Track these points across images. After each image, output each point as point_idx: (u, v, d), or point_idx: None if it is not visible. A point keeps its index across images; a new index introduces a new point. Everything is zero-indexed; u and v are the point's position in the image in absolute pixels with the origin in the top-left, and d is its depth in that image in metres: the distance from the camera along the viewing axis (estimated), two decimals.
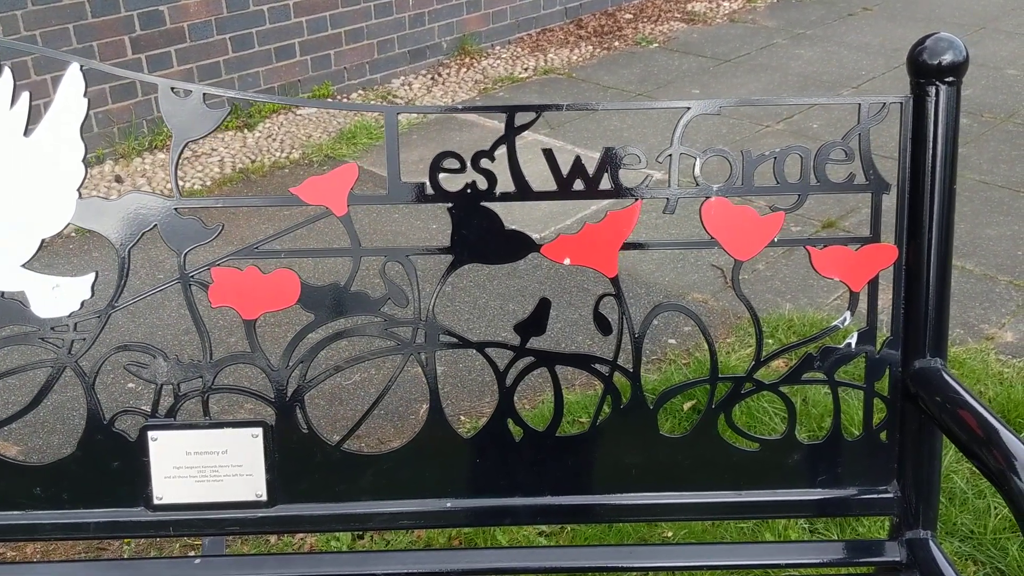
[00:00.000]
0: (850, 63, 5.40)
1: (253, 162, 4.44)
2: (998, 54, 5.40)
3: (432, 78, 5.50)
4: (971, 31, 5.76)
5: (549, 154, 1.31)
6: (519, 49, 5.89)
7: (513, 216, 1.32)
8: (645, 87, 5.24)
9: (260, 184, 4.29)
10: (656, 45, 5.88)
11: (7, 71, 1.26)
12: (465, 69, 5.60)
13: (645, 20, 6.29)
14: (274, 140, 4.68)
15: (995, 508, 2.05)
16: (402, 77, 5.44)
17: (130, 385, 1.35)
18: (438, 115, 4.91)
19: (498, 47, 5.87)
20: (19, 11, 4.05)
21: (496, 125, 4.84)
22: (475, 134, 4.64)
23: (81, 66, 1.26)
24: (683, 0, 6.62)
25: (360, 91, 5.26)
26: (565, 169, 1.30)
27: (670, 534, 1.97)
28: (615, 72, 5.49)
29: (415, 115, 4.94)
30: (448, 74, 5.52)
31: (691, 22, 6.25)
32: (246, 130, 4.74)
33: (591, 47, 5.87)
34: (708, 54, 5.68)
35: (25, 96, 1.26)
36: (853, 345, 1.33)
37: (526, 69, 5.60)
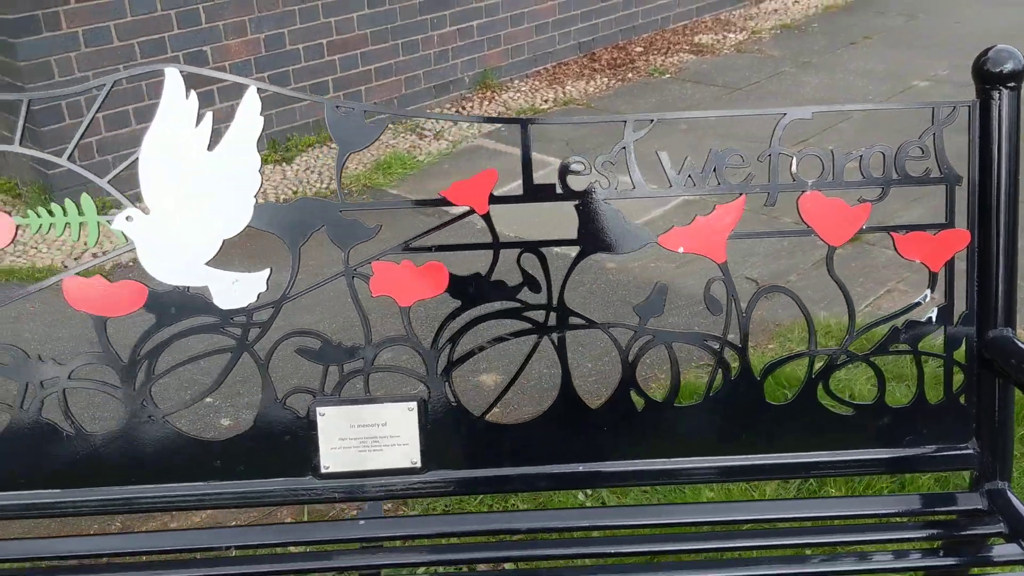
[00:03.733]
0: (857, 88, 5.65)
1: (295, 193, 4.63)
2: None
3: (457, 111, 5.72)
4: (972, 56, 6.01)
5: (662, 157, 1.49)
6: (537, 82, 6.12)
7: None
8: (672, 120, 5.46)
9: None
10: (668, 76, 6.13)
11: (193, 95, 1.44)
12: (487, 102, 5.82)
13: (655, 52, 6.54)
14: (312, 172, 4.88)
15: None
16: (428, 111, 5.66)
17: (300, 367, 1.52)
18: (468, 145, 5.13)
19: (517, 81, 6.10)
20: (72, 53, 4.26)
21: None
22: (504, 162, 4.83)
23: (258, 89, 1.45)
24: (690, 32, 6.89)
25: (389, 125, 5.47)
26: (677, 169, 1.49)
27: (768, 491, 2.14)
28: (632, 102, 5.72)
29: (446, 147, 5.16)
30: (471, 107, 5.74)
31: (700, 53, 6.50)
32: (284, 163, 4.94)
33: (606, 79, 6.11)
34: (719, 83, 5.92)
35: (209, 116, 1.45)
36: (933, 319, 1.51)
37: (546, 100, 5.83)
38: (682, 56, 6.45)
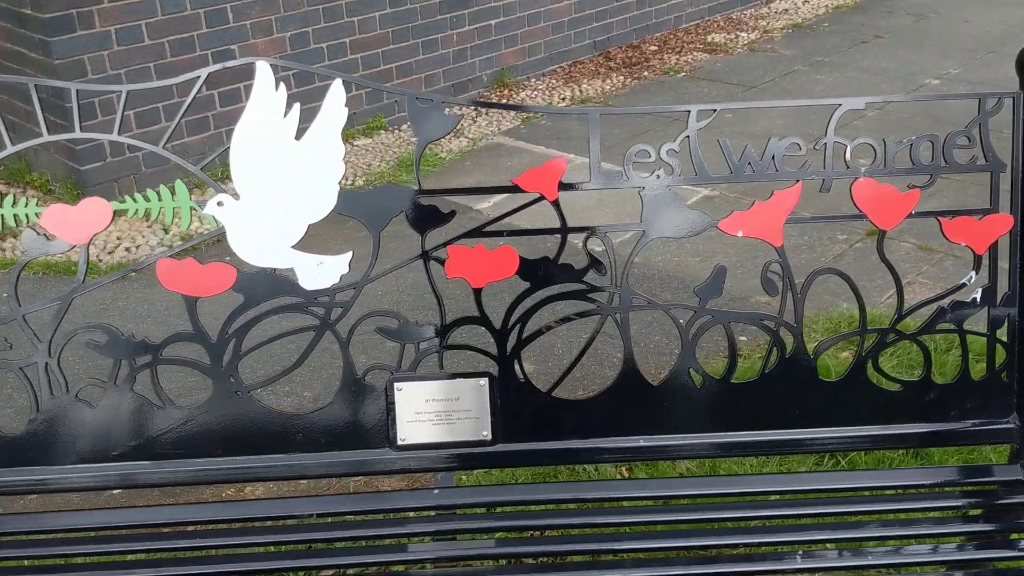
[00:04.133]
0: (869, 87, 5.73)
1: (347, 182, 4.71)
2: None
3: (476, 109, 5.80)
4: (982, 55, 6.11)
5: (724, 144, 1.58)
6: (553, 80, 6.20)
7: None
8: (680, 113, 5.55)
9: None
10: (683, 74, 6.21)
11: (282, 87, 1.53)
12: (505, 100, 5.90)
13: (669, 51, 6.62)
14: (356, 166, 4.96)
15: None
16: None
17: (378, 345, 1.60)
18: (488, 143, 5.22)
19: (534, 79, 6.19)
20: (105, 51, 4.34)
21: (543, 151, 5.15)
22: (524, 159, 4.93)
23: (343, 81, 1.53)
24: (703, 32, 6.98)
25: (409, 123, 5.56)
26: (737, 156, 1.57)
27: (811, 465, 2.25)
28: (648, 99, 5.80)
29: (466, 144, 5.24)
30: None
31: (713, 52, 6.58)
32: None
33: (622, 77, 6.20)
34: (734, 81, 6.00)
35: (296, 107, 1.53)
36: (978, 300, 1.60)
37: (563, 99, 5.91)
38: (696, 55, 6.54)
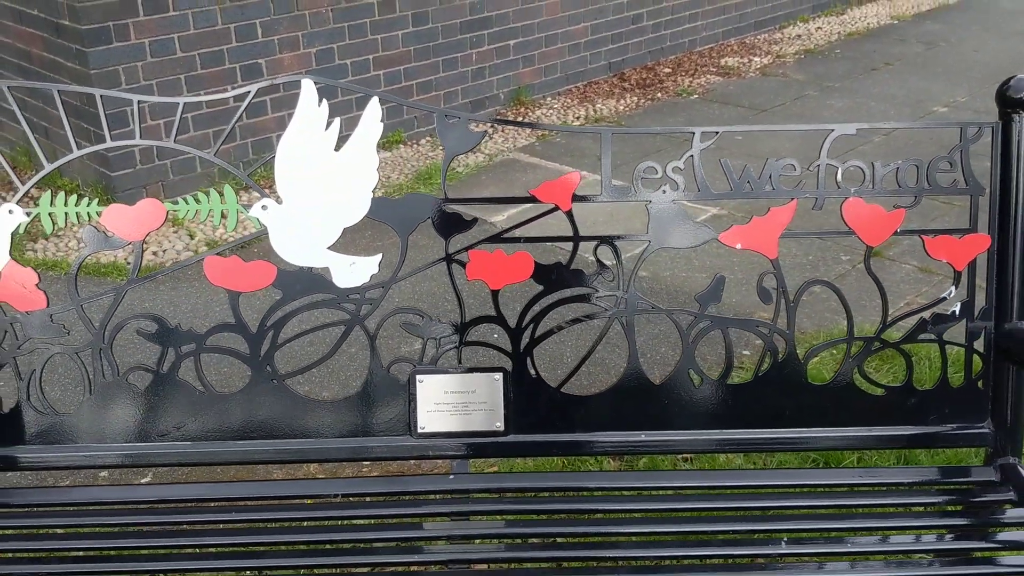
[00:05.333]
0: (878, 113, 5.87)
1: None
2: None
3: (492, 126, 5.96)
4: (990, 84, 6.23)
5: (725, 164, 1.72)
6: (569, 100, 6.37)
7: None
8: (688, 133, 5.70)
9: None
10: (696, 96, 6.36)
11: (325, 103, 1.68)
12: (521, 118, 6.06)
13: (683, 74, 6.78)
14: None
15: None
16: None
17: (402, 340, 1.74)
18: (504, 159, 5.37)
19: (549, 98, 6.35)
20: (139, 63, 4.52)
21: (556, 167, 5.30)
22: (538, 175, 5.08)
23: (379, 98, 1.68)
24: (717, 55, 7.13)
25: (428, 137, 5.72)
26: (737, 175, 1.71)
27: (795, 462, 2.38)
28: (661, 120, 5.95)
29: (483, 159, 5.40)
30: None
31: (726, 75, 6.74)
32: None
33: (635, 98, 6.35)
34: (746, 104, 6.15)
35: (337, 121, 1.68)
36: (957, 313, 1.73)
37: (577, 118, 6.07)
38: (709, 78, 6.69)
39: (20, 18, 4.77)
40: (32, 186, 1.68)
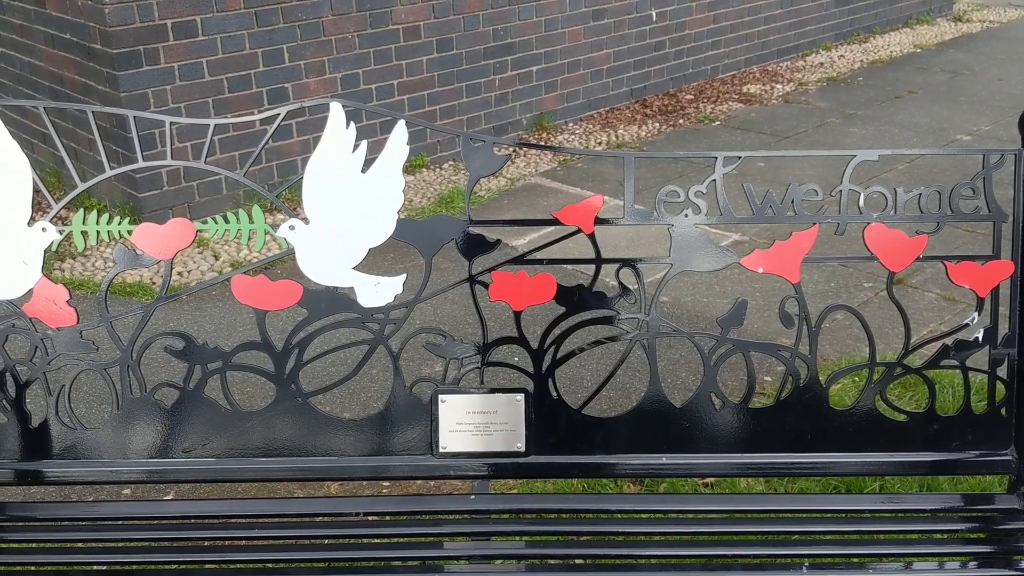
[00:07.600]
0: (901, 140, 5.86)
1: None
2: None
3: (515, 150, 6.00)
4: (1014, 113, 6.21)
5: (747, 188, 1.73)
6: (590, 125, 6.40)
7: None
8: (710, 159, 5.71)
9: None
10: (718, 123, 6.38)
11: (352, 125, 1.70)
12: (543, 143, 6.10)
13: (705, 100, 6.81)
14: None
15: None
16: None
17: (425, 360, 1.76)
18: (525, 183, 5.41)
19: (571, 124, 6.40)
20: (168, 86, 4.60)
21: (578, 192, 5.32)
22: (560, 199, 5.10)
23: (406, 122, 1.71)
24: (739, 82, 7.16)
25: (451, 161, 5.76)
26: (759, 200, 1.72)
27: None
28: (682, 146, 5.98)
29: (505, 184, 5.43)
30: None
31: (748, 102, 6.76)
32: None
33: (657, 124, 6.38)
34: (768, 131, 6.16)
35: (364, 143, 1.71)
36: (980, 339, 1.73)
37: (599, 143, 6.10)
38: (731, 104, 6.72)
39: (53, 42, 4.87)
40: (64, 206, 1.71)
